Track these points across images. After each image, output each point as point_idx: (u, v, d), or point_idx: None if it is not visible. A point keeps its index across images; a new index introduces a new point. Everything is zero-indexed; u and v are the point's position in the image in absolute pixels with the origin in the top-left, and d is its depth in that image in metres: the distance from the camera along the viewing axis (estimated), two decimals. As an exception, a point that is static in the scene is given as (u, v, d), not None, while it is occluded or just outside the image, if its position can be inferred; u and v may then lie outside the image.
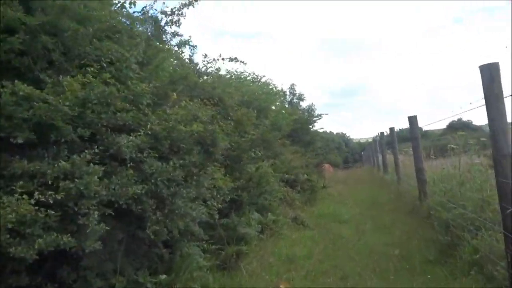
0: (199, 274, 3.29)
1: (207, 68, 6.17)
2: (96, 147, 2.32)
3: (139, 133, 2.62)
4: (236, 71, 9.73)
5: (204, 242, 3.81)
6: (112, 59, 2.81)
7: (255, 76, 10.02)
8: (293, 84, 22.11)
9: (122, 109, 2.60)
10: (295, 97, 21.71)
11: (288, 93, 21.78)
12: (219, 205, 3.83)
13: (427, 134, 38.55)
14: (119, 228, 2.53)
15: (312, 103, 21.84)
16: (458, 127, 32.36)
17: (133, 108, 2.78)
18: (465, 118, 34.99)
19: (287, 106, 19.29)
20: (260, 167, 5.33)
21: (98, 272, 2.43)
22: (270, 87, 9.61)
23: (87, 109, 2.41)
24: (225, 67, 9.91)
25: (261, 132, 8.48)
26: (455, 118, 34.51)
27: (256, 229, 4.90)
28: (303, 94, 22.14)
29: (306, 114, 16.97)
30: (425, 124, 33.06)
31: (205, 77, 5.54)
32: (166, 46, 4.12)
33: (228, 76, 9.74)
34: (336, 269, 3.97)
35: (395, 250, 4.34)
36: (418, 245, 4.39)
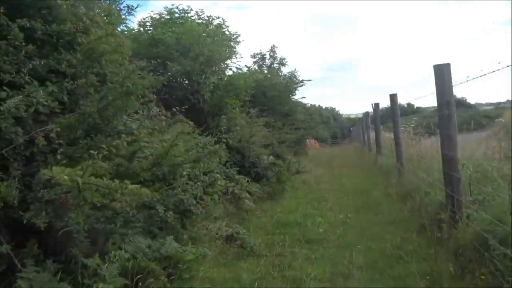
0: None
1: None
2: None
3: None
4: (177, 8, 6.76)
5: None
6: None
7: (205, 18, 7.02)
8: (273, 46, 18.80)
9: None
10: (275, 61, 18.51)
11: (268, 56, 18.76)
12: None
13: (419, 111, 35.80)
14: None
15: (295, 69, 18.66)
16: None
17: None
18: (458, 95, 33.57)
19: (265, 71, 16.34)
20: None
21: None
22: (223, 29, 6.62)
23: None
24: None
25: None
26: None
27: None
28: (284, 58, 18.90)
29: (286, 80, 14.04)
30: (416, 98, 30.61)
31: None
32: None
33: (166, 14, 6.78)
34: None
35: None
36: None
